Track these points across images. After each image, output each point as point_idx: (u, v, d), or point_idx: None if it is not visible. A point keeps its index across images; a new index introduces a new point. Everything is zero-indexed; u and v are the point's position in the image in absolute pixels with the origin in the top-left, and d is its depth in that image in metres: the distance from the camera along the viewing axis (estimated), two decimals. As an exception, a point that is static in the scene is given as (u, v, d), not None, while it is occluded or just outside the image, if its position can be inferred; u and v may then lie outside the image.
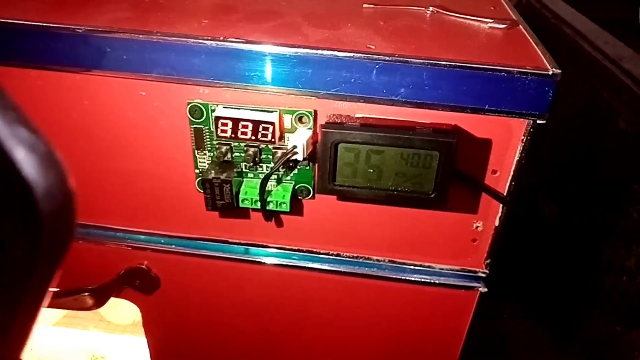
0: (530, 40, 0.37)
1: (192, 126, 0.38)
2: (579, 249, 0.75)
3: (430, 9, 0.42)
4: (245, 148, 0.38)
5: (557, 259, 0.82)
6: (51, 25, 0.35)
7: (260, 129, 0.36)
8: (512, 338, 0.87)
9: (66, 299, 0.45)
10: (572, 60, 0.73)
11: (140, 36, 0.34)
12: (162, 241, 0.45)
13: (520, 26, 0.40)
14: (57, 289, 0.46)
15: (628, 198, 0.61)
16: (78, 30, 0.35)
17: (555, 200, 0.83)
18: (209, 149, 0.39)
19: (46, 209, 0.14)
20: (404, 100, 0.34)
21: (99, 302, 0.46)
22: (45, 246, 0.15)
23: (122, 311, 0.65)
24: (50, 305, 0.47)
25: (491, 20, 0.40)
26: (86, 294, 0.45)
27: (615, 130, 0.63)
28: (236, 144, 0.38)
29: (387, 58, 0.33)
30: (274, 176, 0.39)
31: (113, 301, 0.47)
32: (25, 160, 0.14)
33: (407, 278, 0.43)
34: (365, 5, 0.42)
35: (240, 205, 0.39)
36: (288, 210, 0.39)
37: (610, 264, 0.66)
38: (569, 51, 0.73)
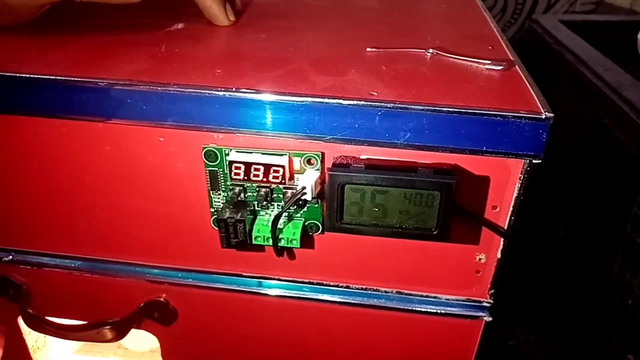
0: (526, 82, 0.39)
1: (208, 169, 0.40)
2: (589, 271, 0.76)
3: (430, 51, 0.44)
4: (257, 189, 0.40)
5: (568, 281, 0.83)
6: (75, 79, 0.38)
7: (271, 171, 0.38)
8: None
9: (88, 332, 0.48)
10: (574, 87, 0.74)
11: (158, 88, 0.37)
12: (180, 275, 0.47)
13: (517, 67, 0.42)
14: (80, 323, 0.48)
15: (631, 222, 0.62)
16: (100, 84, 0.37)
17: (565, 224, 0.84)
18: (223, 189, 0.41)
19: None
20: (405, 143, 0.36)
21: (120, 334, 0.48)
22: None
23: (140, 339, 0.67)
24: (73, 338, 0.49)
25: (488, 62, 0.42)
26: (107, 327, 0.47)
27: (617, 156, 0.64)
28: (249, 185, 0.40)
29: (388, 105, 0.35)
30: (284, 214, 0.41)
31: (132, 330, 0.49)
32: None
33: (414, 308, 0.45)
34: (368, 49, 0.44)
35: (254, 242, 0.41)
36: (298, 246, 0.41)
37: (618, 284, 0.67)
38: (570, 77, 0.75)
